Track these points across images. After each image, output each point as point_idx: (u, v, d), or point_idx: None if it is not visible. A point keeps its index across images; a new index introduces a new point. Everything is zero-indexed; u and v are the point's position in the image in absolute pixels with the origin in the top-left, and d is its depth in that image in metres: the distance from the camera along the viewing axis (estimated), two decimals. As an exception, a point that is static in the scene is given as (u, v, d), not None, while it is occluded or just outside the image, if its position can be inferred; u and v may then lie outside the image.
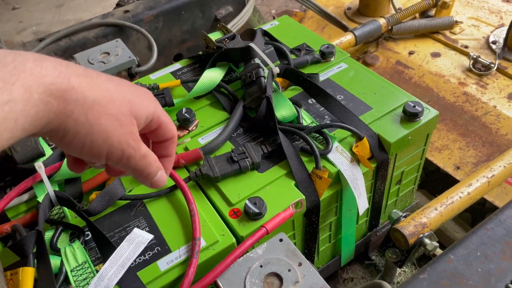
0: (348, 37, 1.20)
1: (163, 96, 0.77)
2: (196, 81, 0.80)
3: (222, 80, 0.82)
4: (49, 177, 0.66)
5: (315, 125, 0.72)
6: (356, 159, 0.69)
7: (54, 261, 0.58)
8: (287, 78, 0.80)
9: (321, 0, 1.58)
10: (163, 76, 0.88)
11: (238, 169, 0.67)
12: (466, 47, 1.26)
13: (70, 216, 0.64)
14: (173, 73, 0.89)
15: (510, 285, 0.59)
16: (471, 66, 1.19)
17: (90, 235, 0.61)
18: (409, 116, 0.71)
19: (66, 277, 0.57)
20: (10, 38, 2.58)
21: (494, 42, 1.25)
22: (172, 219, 0.63)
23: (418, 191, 1.11)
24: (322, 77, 0.83)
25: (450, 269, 0.50)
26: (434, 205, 0.74)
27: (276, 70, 0.76)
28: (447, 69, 1.21)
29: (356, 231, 0.82)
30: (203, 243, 0.59)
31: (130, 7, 1.12)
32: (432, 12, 1.35)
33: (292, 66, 0.81)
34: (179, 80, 0.83)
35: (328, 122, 0.74)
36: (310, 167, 0.67)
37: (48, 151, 0.71)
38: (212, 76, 0.80)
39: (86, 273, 0.57)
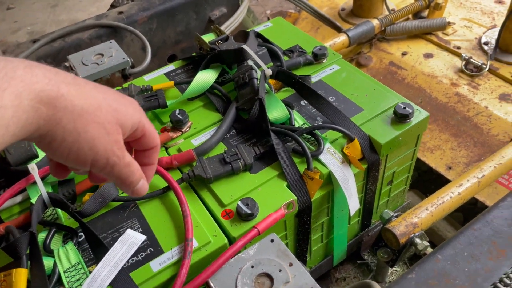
0: (342, 38, 1.21)
1: (156, 98, 0.77)
2: (189, 82, 0.80)
3: (215, 82, 0.82)
4: (43, 178, 0.67)
5: (307, 126, 0.73)
6: (347, 160, 0.70)
7: (47, 262, 0.58)
8: (279, 80, 0.81)
9: (316, 1, 1.59)
10: (157, 78, 0.89)
11: (230, 170, 0.67)
12: (459, 48, 1.27)
13: (64, 217, 0.65)
14: (167, 75, 0.89)
15: (498, 284, 0.60)
16: (463, 67, 1.20)
17: (83, 236, 0.62)
18: (400, 117, 0.72)
19: (59, 278, 0.57)
20: (5, 38, 2.57)
21: (486, 43, 1.26)
22: (165, 220, 0.63)
23: (411, 191, 1.12)
24: (314, 78, 0.84)
25: (437, 269, 0.50)
26: (425, 205, 0.75)
27: (269, 72, 0.76)
28: (440, 70, 1.22)
29: (348, 231, 0.82)
30: (195, 243, 0.60)
31: (124, 8, 1.13)
32: (425, 13, 1.37)
33: (285, 68, 0.82)
34: (172, 82, 0.83)
35: (320, 123, 0.75)
36: (302, 168, 0.68)
37: (42, 153, 0.71)
38: (205, 77, 0.81)
39: (79, 274, 0.58)
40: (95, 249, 0.60)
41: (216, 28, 0.93)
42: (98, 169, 0.41)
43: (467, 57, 1.20)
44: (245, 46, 0.79)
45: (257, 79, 0.76)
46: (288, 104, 0.77)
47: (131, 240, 0.60)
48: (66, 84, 0.37)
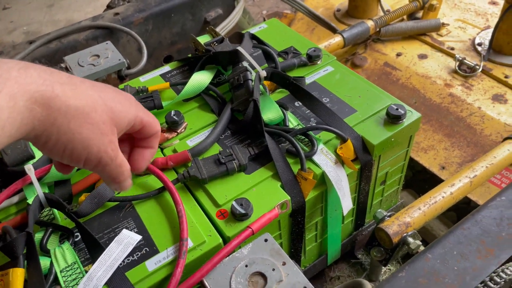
0: (337, 39, 1.22)
1: (152, 99, 0.78)
2: (185, 83, 0.81)
3: (210, 83, 0.83)
4: (39, 179, 0.67)
5: (301, 127, 0.74)
6: (340, 160, 0.71)
7: (44, 262, 0.59)
8: (274, 81, 0.82)
9: (311, 2, 1.60)
10: (153, 79, 0.89)
11: (225, 171, 0.68)
12: (452, 49, 1.28)
13: (60, 217, 0.65)
14: (163, 76, 0.90)
15: (489, 282, 0.61)
16: (457, 68, 1.21)
17: (80, 236, 0.62)
18: (392, 118, 0.73)
19: (56, 278, 0.58)
20: (1, 38, 2.57)
21: (479, 44, 1.27)
22: (160, 220, 0.64)
23: (405, 190, 1.13)
24: (308, 80, 0.85)
25: (427, 268, 0.52)
26: (417, 204, 0.76)
27: (263, 73, 0.77)
28: (434, 71, 1.24)
29: (342, 231, 0.83)
30: (190, 243, 0.61)
31: (120, 9, 1.13)
32: (420, 14, 1.38)
33: (279, 69, 0.83)
34: (168, 83, 0.84)
35: (314, 124, 0.76)
36: (295, 168, 0.69)
37: (38, 154, 0.72)
38: (201, 79, 0.82)
39: (76, 273, 0.58)
40: (91, 249, 0.60)
41: (212, 30, 0.94)
42: (91, 168, 0.42)
43: (460, 58, 1.21)
44: (240, 48, 0.80)
45: (251, 80, 0.77)
46: (282, 105, 0.78)
47: (126, 240, 0.60)
48: (60, 84, 0.38)
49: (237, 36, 0.91)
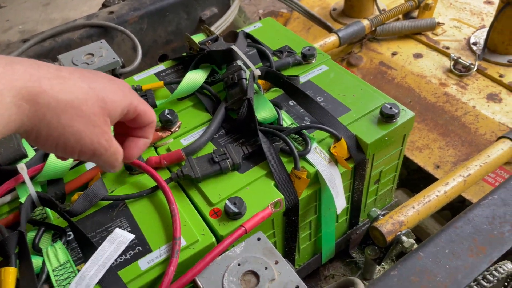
0: (332, 38, 1.22)
1: (146, 98, 0.78)
2: (179, 82, 0.81)
3: (205, 82, 0.83)
4: (32, 178, 0.67)
5: (295, 126, 0.74)
6: (334, 159, 0.71)
7: (36, 261, 0.59)
8: (268, 80, 0.81)
9: (307, 1, 1.60)
10: (147, 78, 0.89)
11: (219, 170, 0.68)
12: (448, 48, 1.28)
13: (53, 216, 0.65)
14: (157, 75, 0.90)
15: (482, 281, 0.61)
16: (452, 67, 1.21)
17: (72, 235, 0.62)
18: (386, 117, 0.73)
19: (48, 277, 0.58)
20: (-4, 36, 2.56)
21: (474, 43, 1.28)
22: (153, 219, 0.64)
23: (400, 189, 1.14)
24: (303, 79, 0.85)
25: (419, 266, 0.52)
26: (411, 203, 0.76)
27: (257, 72, 0.77)
28: (429, 70, 1.24)
29: (336, 229, 0.84)
30: (183, 242, 0.61)
31: (115, 8, 1.13)
32: (415, 13, 1.38)
33: (274, 68, 0.83)
34: (162, 82, 0.84)
35: (308, 123, 0.76)
36: (289, 167, 0.69)
37: (31, 153, 0.72)
38: (195, 77, 0.82)
39: (68, 272, 0.58)
40: (83, 248, 0.60)
41: (206, 29, 0.94)
42: (85, 158, 0.43)
43: (455, 57, 1.22)
44: (234, 47, 0.80)
45: (246, 79, 0.77)
46: (276, 104, 0.78)
47: (119, 239, 0.60)
48: (48, 79, 0.37)
49: (231, 35, 0.91)
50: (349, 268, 0.94)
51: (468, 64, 1.19)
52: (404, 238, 0.73)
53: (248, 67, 0.79)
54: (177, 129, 0.78)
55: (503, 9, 1.15)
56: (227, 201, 0.63)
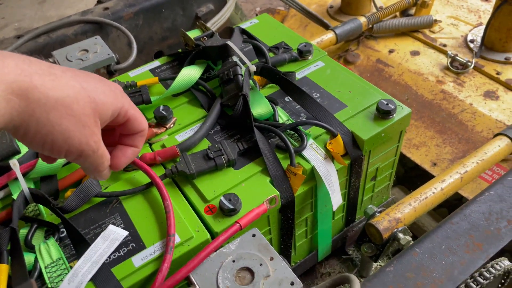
0: (329, 36, 1.22)
1: (140, 94, 0.77)
2: (174, 78, 0.80)
3: (200, 78, 0.82)
4: (25, 174, 0.66)
5: (290, 122, 0.73)
6: (330, 156, 0.70)
7: (28, 258, 0.58)
8: (264, 76, 0.81)
9: (305, -2, 1.59)
10: (142, 74, 0.88)
11: (214, 166, 0.67)
12: (445, 45, 1.28)
13: (46, 213, 0.65)
14: (152, 71, 0.89)
15: (478, 278, 0.61)
16: (449, 65, 1.21)
17: (65, 232, 0.61)
18: (382, 113, 0.73)
19: (40, 274, 0.57)
20: (-8, 34, 2.54)
21: (472, 41, 1.27)
22: (148, 216, 0.63)
23: (397, 187, 1.13)
24: (299, 75, 0.84)
25: (415, 262, 0.51)
26: (408, 200, 0.76)
27: (253, 68, 0.77)
28: (426, 67, 1.24)
29: (332, 227, 0.83)
30: (177, 239, 0.60)
31: (110, 4, 1.12)
32: (412, 11, 1.38)
33: (270, 64, 0.82)
34: (157, 78, 0.83)
35: (304, 119, 0.75)
36: (285, 164, 0.68)
37: (24, 149, 0.71)
38: (190, 73, 0.81)
39: (61, 269, 0.58)
40: (76, 245, 0.60)
41: (202, 24, 0.93)
42: (72, 159, 0.42)
43: (453, 55, 1.21)
44: (229, 42, 0.79)
45: (241, 75, 0.76)
46: (272, 100, 0.78)
47: (113, 235, 0.60)
48: (40, 75, 0.37)
49: (227, 31, 0.90)
50: (345, 265, 0.94)
51: (465, 61, 1.19)
52: (400, 235, 0.72)
53: (243, 63, 0.78)
54: (172, 125, 0.77)
55: (500, 7, 1.14)
56: (222, 198, 0.63)
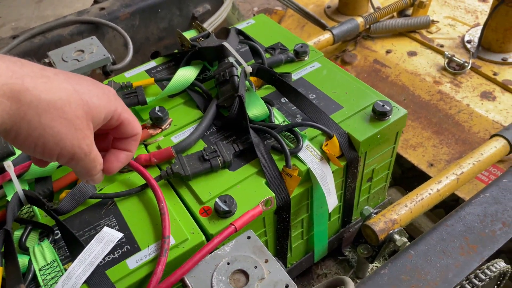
0: (326, 36, 1.22)
1: (136, 95, 0.77)
2: (170, 79, 0.80)
3: (196, 79, 0.82)
4: (19, 176, 0.66)
5: (286, 124, 0.73)
6: (326, 157, 0.70)
7: (23, 260, 0.58)
8: (260, 77, 0.81)
9: (302, -2, 1.59)
10: (138, 74, 0.88)
11: (209, 168, 0.67)
12: (442, 46, 1.28)
13: (40, 215, 0.64)
14: (148, 71, 0.89)
15: (474, 280, 0.61)
16: (446, 65, 1.21)
17: (60, 234, 0.61)
18: (378, 115, 0.73)
19: (35, 276, 0.57)
20: (-12, 33, 2.53)
21: (469, 41, 1.27)
22: (142, 218, 0.63)
23: (394, 187, 1.13)
24: (295, 76, 0.84)
25: (410, 265, 0.51)
26: (404, 202, 0.76)
27: (249, 69, 0.76)
28: (423, 68, 1.23)
29: (329, 228, 0.83)
30: (172, 241, 0.60)
31: (106, 4, 1.12)
32: (410, 11, 1.37)
33: (266, 65, 0.82)
34: (152, 79, 0.83)
35: (300, 121, 0.75)
36: (280, 165, 0.68)
37: (18, 150, 0.70)
38: (186, 74, 0.81)
39: (55, 271, 0.57)
40: (71, 247, 0.59)
41: (198, 25, 0.93)
42: (63, 162, 0.41)
43: (450, 55, 1.21)
44: (225, 43, 0.79)
45: (237, 76, 0.76)
46: (268, 101, 0.77)
47: (107, 237, 0.59)
48: (31, 78, 0.36)
49: (224, 31, 0.90)
50: (341, 266, 0.94)
51: (462, 62, 1.19)
52: (396, 237, 0.72)
53: (240, 64, 0.78)
54: (167, 126, 0.77)
55: (497, 7, 1.14)
56: (217, 199, 0.62)
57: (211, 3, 1.24)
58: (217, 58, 0.82)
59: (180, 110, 0.80)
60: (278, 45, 0.91)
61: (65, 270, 0.57)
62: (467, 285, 0.58)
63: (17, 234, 0.61)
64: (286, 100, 0.79)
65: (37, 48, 1.03)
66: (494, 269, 0.61)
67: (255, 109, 0.74)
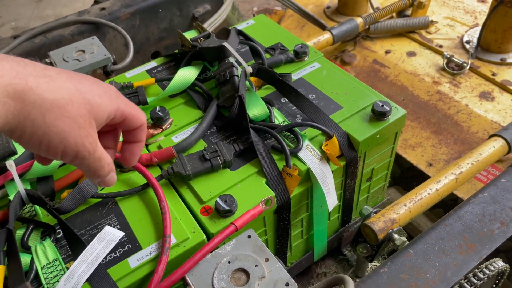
0: (326, 36, 1.22)
1: (136, 95, 0.78)
2: (170, 79, 0.80)
3: (197, 79, 0.83)
4: (21, 175, 0.66)
5: (286, 124, 0.74)
6: (325, 157, 0.71)
7: (25, 259, 0.58)
8: (260, 77, 0.81)
9: (302, -1, 1.59)
10: (139, 74, 0.89)
11: (210, 167, 0.68)
12: (441, 46, 1.29)
13: (42, 214, 0.65)
14: (149, 71, 0.89)
15: (472, 278, 0.61)
16: (445, 66, 1.21)
17: (61, 233, 0.62)
18: (378, 115, 0.73)
19: (37, 275, 0.57)
20: (-12, 33, 2.53)
21: (468, 42, 1.28)
22: (144, 217, 0.64)
23: (393, 187, 1.14)
24: (295, 76, 0.84)
25: (409, 263, 0.52)
26: (403, 201, 0.76)
27: (249, 69, 0.77)
28: (422, 68, 1.24)
29: (328, 227, 0.83)
30: (173, 240, 0.60)
31: (107, 4, 1.12)
32: (409, 11, 1.38)
33: (266, 66, 0.83)
34: (153, 79, 0.84)
35: (300, 121, 0.75)
36: (281, 165, 0.69)
37: (20, 150, 0.71)
38: (186, 74, 0.81)
39: (57, 270, 0.58)
40: (73, 246, 0.60)
41: (198, 25, 0.93)
42: (68, 161, 0.42)
43: (449, 56, 1.22)
44: (226, 44, 0.80)
45: (237, 76, 0.77)
46: (268, 101, 0.78)
47: (109, 236, 0.60)
48: (34, 77, 0.37)
49: (224, 32, 0.90)
50: (341, 265, 0.94)
51: (461, 62, 1.19)
52: (395, 236, 0.73)
53: (240, 64, 0.79)
54: (168, 126, 0.77)
55: (496, 8, 1.15)
56: (218, 199, 0.63)
57: (211, 4, 1.24)
58: (218, 58, 0.82)
59: (180, 110, 0.80)
60: (278, 46, 0.91)
61: (67, 269, 0.57)
62: (465, 284, 0.59)
63: (19, 233, 0.61)
64: (286, 100, 0.80)
65: (38, 48, 1.03)
66: (493, 268, 0.62)
67: (255, 109, 0.74)
